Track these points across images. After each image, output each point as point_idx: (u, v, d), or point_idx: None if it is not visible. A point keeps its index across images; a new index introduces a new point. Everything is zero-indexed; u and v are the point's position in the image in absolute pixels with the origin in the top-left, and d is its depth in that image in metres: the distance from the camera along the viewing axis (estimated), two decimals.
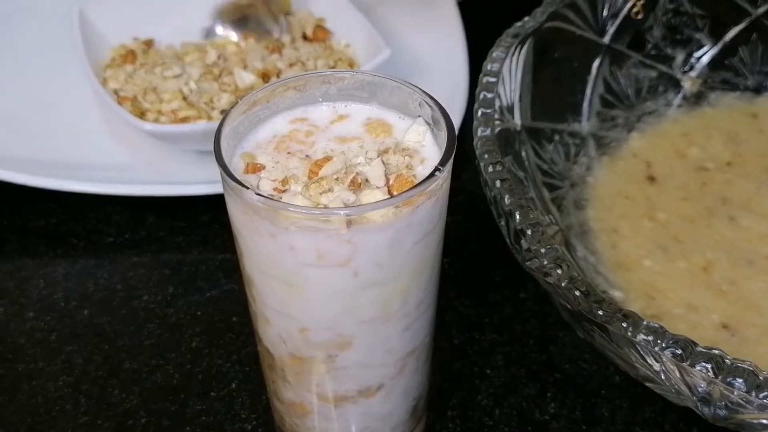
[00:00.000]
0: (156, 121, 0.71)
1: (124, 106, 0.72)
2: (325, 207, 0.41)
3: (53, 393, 0.59)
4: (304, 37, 0.79)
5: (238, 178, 0.42)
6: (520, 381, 0.59)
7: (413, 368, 0.50)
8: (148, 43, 0.79)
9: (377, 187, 0.42)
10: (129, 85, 0.74)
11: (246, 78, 0.72)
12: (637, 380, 0.52)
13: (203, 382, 0.59)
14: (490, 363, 0.60)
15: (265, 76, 0.74)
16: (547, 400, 0.58)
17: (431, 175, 0.41)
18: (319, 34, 0.79)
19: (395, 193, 0.41)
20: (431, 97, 0.45)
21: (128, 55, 0.77)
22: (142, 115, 0.72)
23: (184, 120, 0.71)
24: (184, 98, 0.72)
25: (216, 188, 0.67)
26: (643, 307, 0.58)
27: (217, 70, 0.75)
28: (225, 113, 0.45)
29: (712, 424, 0.48)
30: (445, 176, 0.42)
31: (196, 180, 0.69)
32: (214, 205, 0.66)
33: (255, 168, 0.43)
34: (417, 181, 0.41)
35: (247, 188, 0.40)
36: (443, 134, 0.44)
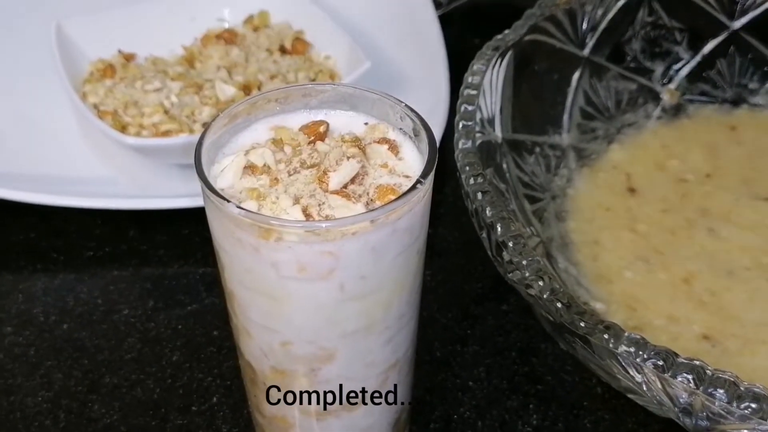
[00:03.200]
0: (137, 134, 0.71)
1: (105, 120, 0.71)
2: (306, 219, 0.41)
3: (32, 409, 0.58)
4: (283, 50, 0.79)
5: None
6: (502, 393, 0.59)
7: (395, 381, 0.49)
8: (129, 57, 0.79)
9: (359, 201, 0.42)
10: (109, 99, 0.74)
11: (227, 90, 0.72)
12: (619, 391, 0.52)
13: (184, 396, 0.59)
14: (473, 375, 0.60)
15: (246, 89, 0.74)
16: (530, 412, 0.58)
17: (413, 187, 0.41)
18: (299, 46, 0.79)
19: (377, 204, 0.41)
20: (412, 110, 0.45)
21: (107, 70, 0.76)
22: (123, 129, 0.71)
23: (166, 133, 0.71)
24: (166, 112, 0.72)
25: (197, 201, 0.67)
26: (625, 318, 0.59)
27: (198, 82, 0.74)
28: (206, 126, 0.44)
29: None
30: (426, 188, 0.42)
31: (176, 193, 0.69)
32: (195, 218, 0.66)
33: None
34: (398, 193, 0.42)
35: (228, 201, 0.40)
36: (425, 146, 0.44)
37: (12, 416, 0.58)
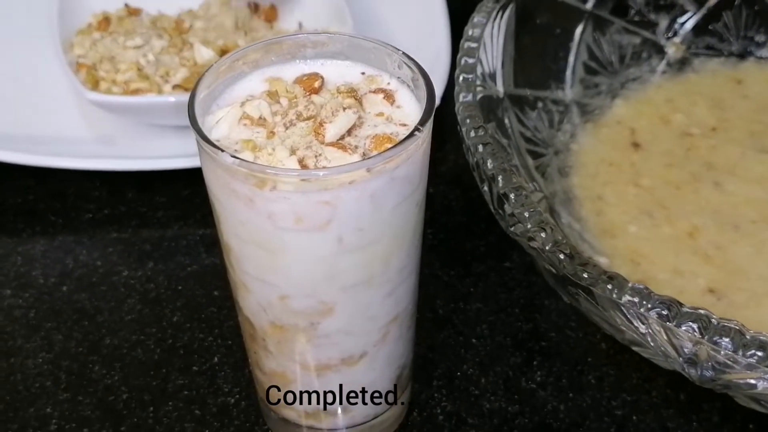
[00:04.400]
0: (108, 91, 0.69)
1: (80, 73, 0.70)
2: (302, 167, 0.40)
3: (32, 370, 0.58)
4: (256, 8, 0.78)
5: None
6: (506, 350, 0.59)
7: (396, 336, 0.49)
8: (134, 12, 0.77)
9: (355, 152, 0.41)
10: (92, 53, 0.72)
11: (205, 54, 0.70)
12: (623, 347, 0.52)
13: (185, 356, 0.59)
14: (476, 332, 0.60)
15: (224, 53, 0.72)
16: (534, 368, 0.57)
17: (411, 135, 0.40)
18: (271, 14, 0.78)
19: (373, 152, 0.41)
20: (410, 58, 0.44)
21: (101, 22, 0.75)
22: (96, 84, 0.70)
23: (135, 92, 0.69)
24: (139, 69, 0.70)
25: (195, 162, 0.66)
26: (629, 272, 0.58)
27: (180, 43, 0.72)
28: (200, 76, 0.44)
29: (699, 387, 0.48)
30: (424, 136, 0.41)
31: (175, 154, 0.68)
32: (195, 179, 0.65)
33: None
34: (395, 142, 0.41)
35: (222, 151, 0.40)
36: (423, 95, 0.43)
37: (12, 378, 0.57)
